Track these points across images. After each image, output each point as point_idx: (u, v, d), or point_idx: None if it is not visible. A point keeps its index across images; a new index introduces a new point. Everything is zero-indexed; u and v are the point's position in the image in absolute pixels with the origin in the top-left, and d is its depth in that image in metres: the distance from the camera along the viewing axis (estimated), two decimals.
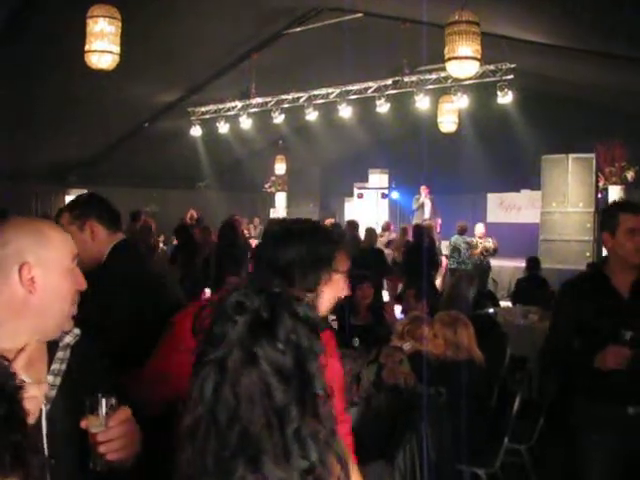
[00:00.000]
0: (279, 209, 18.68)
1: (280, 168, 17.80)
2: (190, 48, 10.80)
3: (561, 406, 3.37)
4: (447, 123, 12.77)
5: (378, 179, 17.56)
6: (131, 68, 8.77)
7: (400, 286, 9.61)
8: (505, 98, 11.24)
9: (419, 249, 9.10)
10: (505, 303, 9.19)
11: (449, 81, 11.55)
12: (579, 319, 3.10)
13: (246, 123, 13.96)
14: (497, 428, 4.23)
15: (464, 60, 7.58)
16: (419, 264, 8.32)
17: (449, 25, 7.46)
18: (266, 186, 18.92)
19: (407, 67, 11.89)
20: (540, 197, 13.16)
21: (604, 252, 3.50)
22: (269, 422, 1.08)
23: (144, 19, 9.01)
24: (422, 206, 14.90)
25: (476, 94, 12.07)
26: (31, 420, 1.34)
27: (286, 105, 13.59)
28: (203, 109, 14.57)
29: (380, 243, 12.05)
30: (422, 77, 12.02)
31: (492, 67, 11.14)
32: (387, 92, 12.41)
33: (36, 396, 1.35)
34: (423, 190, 14.85)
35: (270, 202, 19.18)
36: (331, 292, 1.92)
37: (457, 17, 7.36)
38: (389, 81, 12.37)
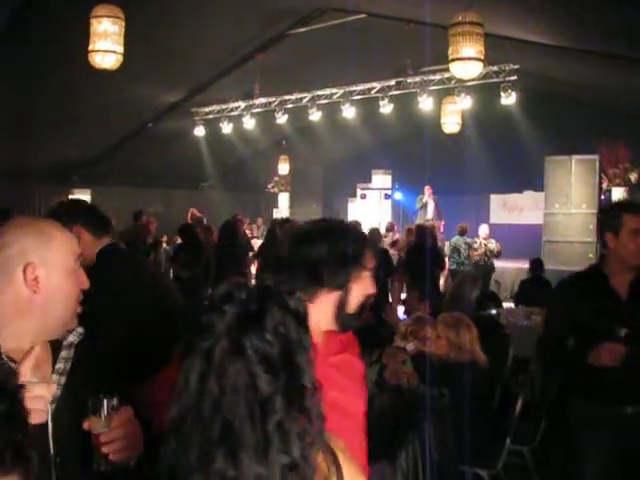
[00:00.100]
0: (282, 209, 18.65)
1: (283, 168, 17.80)
2: (193, 48, 10.81)
3: (560, 406, 3.37)
4: (450, 124, 12.76)
5: (381, 180, 17.55)
6: (134, 68, 8.77)
7: (400, 286, 9.58)
8: (508, 99, 11.23)
9: (421, 249, 9.08)
10: (508, 304, 9.17)
11: (452, 82, 11.56)
12: (574, 318, 3.08)
13: (249, 123, 13.97)
14: (499, 429, 4.23)
15: (467, 61, 7.60)
16: (421, 264, 8.30)
17: (453, 26, 7.48)
18: (269, 186, 18.90)
19: (410, 68, 11.87)
20: (543, 198, 13.10)
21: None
22: (252, 413, 1.06)
23: (147, 19, 9.02)
24: (425, 205, 14.90)
25: (479, 95, 12.05)
26: (39, 419, 1.34)
27: (289, 105, 13.60)
28: (206, 109, 14.58)
29: (384, 244, 12.03)
30: (425, 78, 12.03)
31: (495, 68, 11.14)
32: (390, 93, 12.40)
33: (44, 396, 1.36)
34: (427, 190, 14.84)
35: (273, 202, 19.16)
36: (359, 289, 1.93)
37: (461, 18, 7.39)
38: (392, 82, 12.37)
